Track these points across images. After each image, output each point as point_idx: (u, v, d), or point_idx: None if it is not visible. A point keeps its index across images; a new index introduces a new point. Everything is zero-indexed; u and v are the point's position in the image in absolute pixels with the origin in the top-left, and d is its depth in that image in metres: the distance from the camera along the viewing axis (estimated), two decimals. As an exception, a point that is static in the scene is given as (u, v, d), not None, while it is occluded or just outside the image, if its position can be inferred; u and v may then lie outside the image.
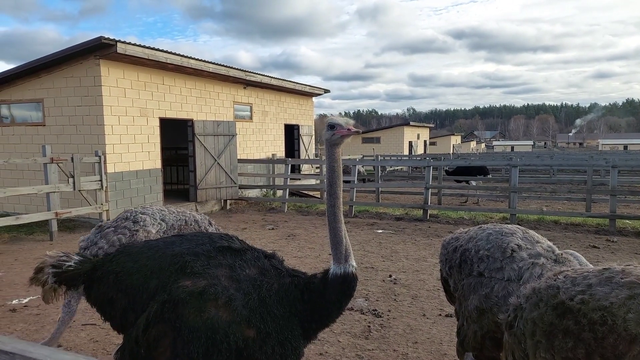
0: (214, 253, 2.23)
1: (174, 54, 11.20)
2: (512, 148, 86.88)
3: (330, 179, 2.32)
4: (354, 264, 2.22)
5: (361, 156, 24.02)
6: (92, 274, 2.41)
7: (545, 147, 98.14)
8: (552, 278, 2.01)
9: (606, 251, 8.05)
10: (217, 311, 2.01)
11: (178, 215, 3.58)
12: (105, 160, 10.03)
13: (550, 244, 2.65)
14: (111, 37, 9.60)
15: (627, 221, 10.60)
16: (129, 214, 3.53)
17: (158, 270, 2.19)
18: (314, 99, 19.88)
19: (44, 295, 2.54)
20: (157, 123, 11.64)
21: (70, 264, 2.48)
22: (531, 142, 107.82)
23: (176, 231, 3.46)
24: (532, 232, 2.72)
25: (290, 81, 16.95)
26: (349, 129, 2.25)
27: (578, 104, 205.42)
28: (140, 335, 2.08)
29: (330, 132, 2.28)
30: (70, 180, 9.15)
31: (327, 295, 2.18)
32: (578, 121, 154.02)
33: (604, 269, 1.88)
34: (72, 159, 9.19)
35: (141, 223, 3.39)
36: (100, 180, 9.83)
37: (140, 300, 2.16)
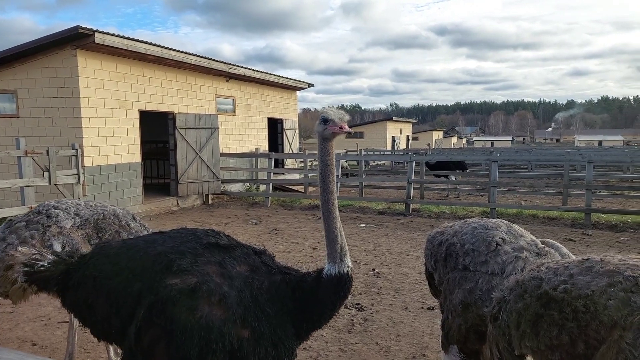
0: (201, 250, 2.10)
1: (154, 45, 10.98)
2: (492, 143, 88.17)
3: (323, 173, 2.21)
4: (350, 263, 2.12)
5: (345, 151, 24.04)
6: (67, 278, 2.26)
7: (523, 143, 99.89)
8: (535, 270, 2.05)
9: (582, 244, 8.23)
10: (211, 309, 1.89)
11: (95, 209, 3.43)
12: (82, 154, 9.78)
13: (533, 237, 2.67)
14: (88, 27, 9.34)
15: (602, 215, 10.86)
16: (41, 208, 3.36)
17: (141, 272, 2.05)
18: (297, 92, 19.78)
19: (12, 295, 2.39)
20: (137, 116, 11.41)
21: (43, 263, 2.33)
22: (510, 138, 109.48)
23: (92, 225, 3.30)
24: (515, 226, 2.75)
25: (273, 74, 16.82)
26: (341, 127, 2.14)
27: (555, 100, 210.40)
28: (133, 345, 1.97)
29: (323, 126, 2.18)
30: (46, 174, 8.89)
31: (320, 296, 2.07)
32: (560, 114, 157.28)
33: (584, 259, 1.94)
34: (47, 152, 8.93)
35: (54, 218, 3.23)
36: (77, 174, 9.58)
37: (124, 305, 2.04)
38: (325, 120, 2.17)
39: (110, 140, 10.67)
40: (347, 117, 2.20)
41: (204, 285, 1.94)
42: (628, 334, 1.61)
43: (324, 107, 2.26)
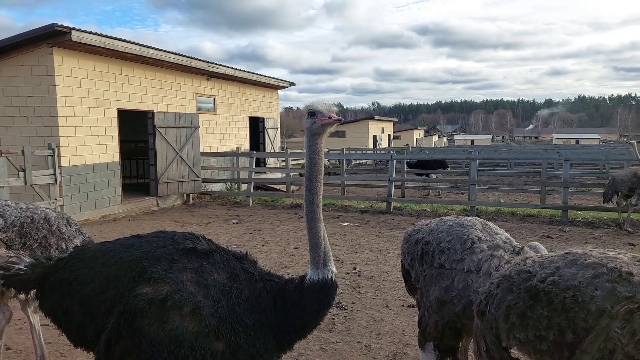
0: (177, 256, 2.00)
1: (133, 43, 10.82)
2: (472, 142, 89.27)
3: (309, 172, 2.09)
4: (334, 269, 2.03)
5: (327, 150, 24.09)
6: (44, 282, 2.21)
7: (503, 141, 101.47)
8: (521, 264, 2.11)
9: (559, 241, 8.41)
10: (182, 321, 1.81)
11: (25, 211, 3.25)
12: (59, 154, 9.58)
13: (508, 235, 2.72)
14: (65, 25, 9.17)
15: (578, 212, 11.11)
16: None
17: (115, 278, 1.99)
18: (279, 91, 19.73)
19: None
20: (115, 115, 11.23)
21: (20, 266, 2.27)
22: (490, 136, 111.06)
23: (16, 229, 3.12)
24: (490, 223, 2.79)
25: (255, 73, 16.75)
26: (330, 117, 2.03)
27: (534, 99, 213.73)
28: (102, 356, 1.91)
29: (311, 120, 2.07)
30: (21, 174, 8.70)
31: (303, 304, 1.99)
32: (542, 111, 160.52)
33: (567, 252, 2.01)
34: (22, 151, 8.74)
35: None
36: (54, 174, 9.39)
37: (98, 313, 1.98)
38: (313, 114, 2.07)
39: (87, 139, 10.48)
40: (335, 108, 2.10)
41: (176, 294, 1.85)
42: (615, 323, 1.70)
43: (309, 103, 2.14)
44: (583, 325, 1.77)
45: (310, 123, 2.08)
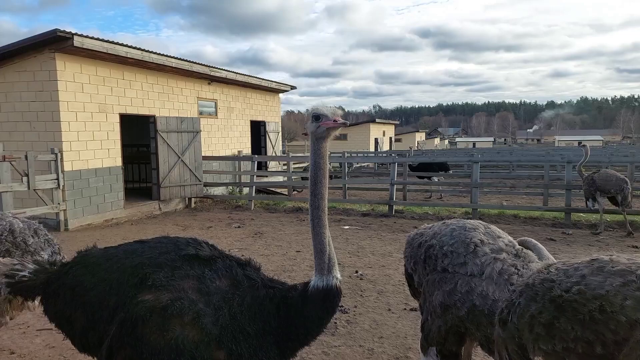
0: (180, 262, 1.99)
1: (135, 48, 10.87)
2: (474, 144, 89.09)
3: (314, 177, 2.07)
4: (339, 275, 2.02)
5: (328, 153, 24.07)
6: (47, 288, 2.21)
7: (505, 144, 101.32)
8: (544, 272, 2.01)
9: (562, 243, 8.38)
10: (183, 329, 1.79)
11: None
12: (62, 158, 9.63)
13: (511, 238, 2.71)
14: (67, 30, 9.22)
15: (582, 214, 11.07)
16: None
17: (117, 285, 1.98)
18: (281, 95, 19.76)
19: None
20: (117, 119, 11.27)
21: (24, 273, 2.28)
22: (492, 139, 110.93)
23: None
24: (493, 227, 2.78)
25: (256, 77, 16.79)
26: (335, 120, 2.01)
27: (536, 101, 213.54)
28: None
29: (315, 123, 2.05)
30: (24, 179, 8.74)
31: (307, 311, 1.96)
32: (546, 112, 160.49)
33: (593, 259, 1.91)
34: (26, 156, 8.78)
35: None
36: (57, 179, 9.44)
37: (100, 320, 1.98)
38: (317, 117, 2.05)
39: (90, 144, 10.52)
40: (339, 111, 2.08)
41: (177, 302, 1.83)
42: None
43: (313, 106, 2.11)
44: (613, 337, 1.66)
45: (315, 127, 2.06)
